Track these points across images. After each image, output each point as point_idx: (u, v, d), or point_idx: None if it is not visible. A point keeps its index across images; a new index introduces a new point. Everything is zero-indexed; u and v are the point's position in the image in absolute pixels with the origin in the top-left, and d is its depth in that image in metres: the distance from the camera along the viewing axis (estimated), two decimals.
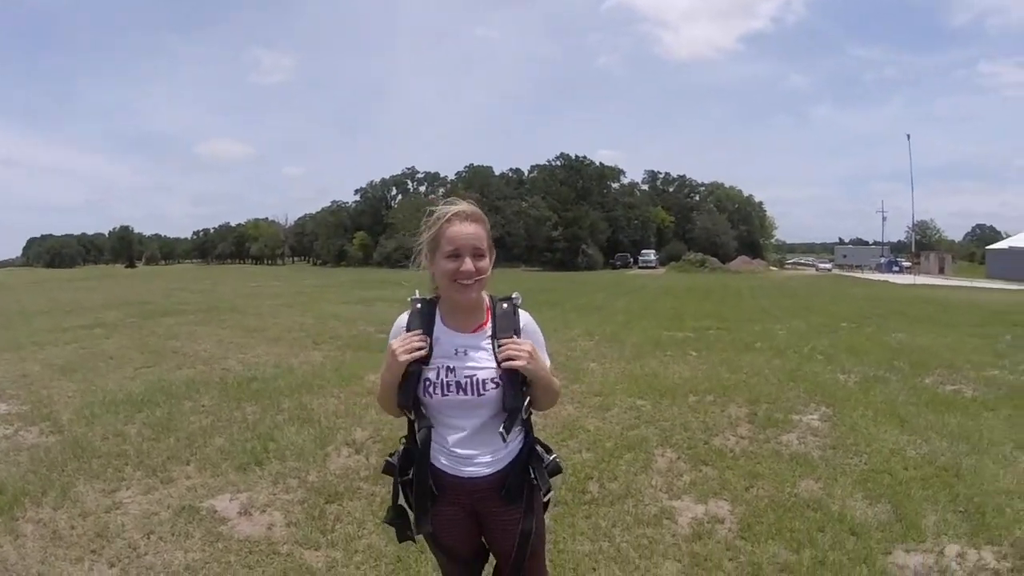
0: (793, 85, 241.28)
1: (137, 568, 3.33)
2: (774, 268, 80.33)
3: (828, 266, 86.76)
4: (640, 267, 74.83)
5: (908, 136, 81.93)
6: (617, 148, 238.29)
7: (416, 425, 2.04)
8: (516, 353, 1.95)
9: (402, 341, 1.98)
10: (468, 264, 1.94)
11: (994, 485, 4.47)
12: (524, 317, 2.10)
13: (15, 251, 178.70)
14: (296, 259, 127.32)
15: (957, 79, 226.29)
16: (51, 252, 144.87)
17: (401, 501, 2.15)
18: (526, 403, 2.04)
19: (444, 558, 2.22)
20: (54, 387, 7.41)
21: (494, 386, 1.99)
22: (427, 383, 1.99)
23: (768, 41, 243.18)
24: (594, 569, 3.41)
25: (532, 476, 2.09)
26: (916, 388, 7.53)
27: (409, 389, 1.99)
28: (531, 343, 2.00)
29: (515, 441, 2.09)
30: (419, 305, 2.07)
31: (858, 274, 66.15)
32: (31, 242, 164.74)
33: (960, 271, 72.57)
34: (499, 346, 1.99)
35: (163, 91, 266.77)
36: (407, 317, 2.07)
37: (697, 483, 4.57)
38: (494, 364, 1.99)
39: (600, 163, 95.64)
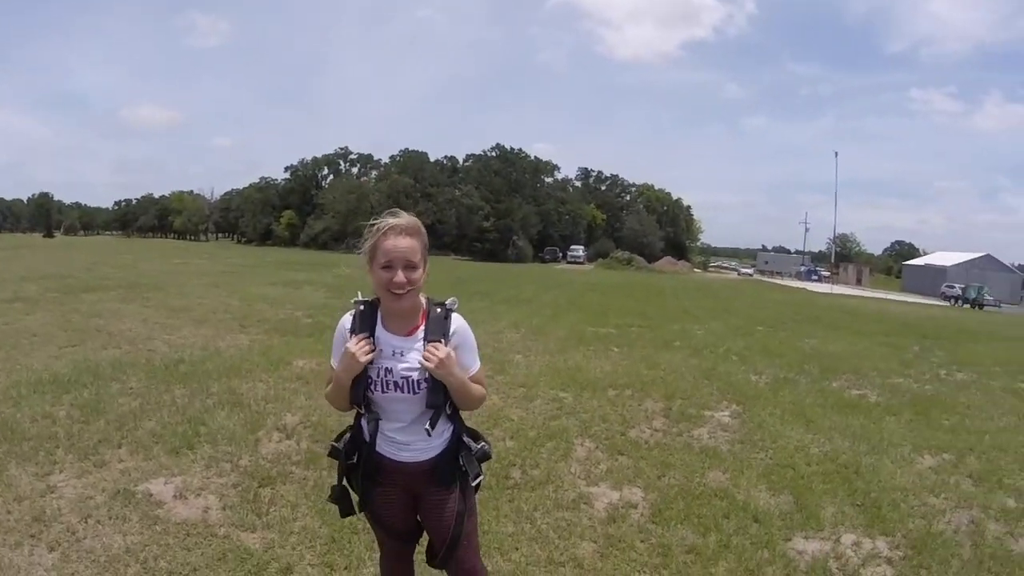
0: (729, 94, 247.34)
1: (77, 552, 3.36)
2: (698, 270, 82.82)
3: (750, 271, 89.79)
4: (569, 262, 75.78)
5: (836, 153, 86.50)
6: (552, 142, 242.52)
7: (365, 417, 2.28)
8: (428, 356, 2.17)
9: (357, 344, 2.18)
10: (400, 276, 2.13)
11: (891, 482, 4.91)
12: (456, 322, 2.29)
13: None
14: (221, 235, 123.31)
15: (888, 101, 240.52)
16: None
17: (344, 483, 2.39)
18: (448, 401, 2.26)
19: (383, 533, 2.47)
20: None
21: (427, 384, 2.21)
22: (370, 381, 2.22)
23: (709, 50, 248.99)
24: (516, 548, 3.66)
25: (460, 463, 2.32)
26: (823, 391, 8.05)
27: (360, 387, 2.22)
28: (447, 350, 2.19)
29: (444, 432, 2.31)
30: (362, 307, 2.27)
31: (778, 280, 68.64)
32: None
33: (877, 283, 76.40)
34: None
35: (91, 50, 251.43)
36: (351, 319, 2.28)
37: (613, 471, 4.89)
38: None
39: (535, 157, 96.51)
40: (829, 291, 48.59)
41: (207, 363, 7.56)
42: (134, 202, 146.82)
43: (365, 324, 2.24)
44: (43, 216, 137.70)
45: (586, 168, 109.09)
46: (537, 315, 15.09)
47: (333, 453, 2.37)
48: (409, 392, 2.22)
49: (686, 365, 9.28)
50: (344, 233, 78.02)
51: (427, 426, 2.24)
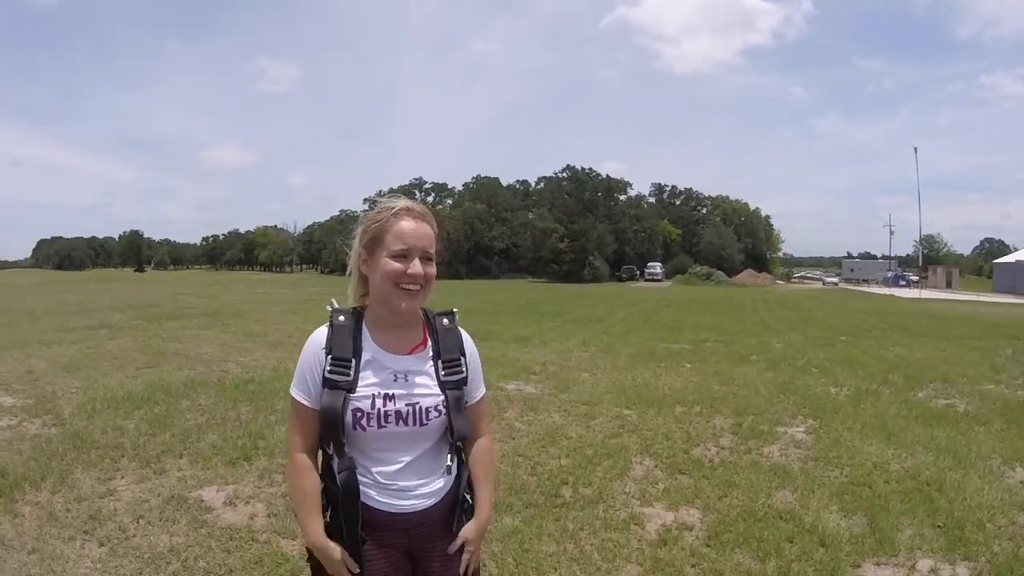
0: (795, 97, 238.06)
1: (125, 548, 3.51)
2: (780, 282, 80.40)
3: (835, 280, 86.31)
4: (646, 280, 74.87)
5: (915, 149, 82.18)
6: (622, 160, 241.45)
7: (336, 465, 1.72)
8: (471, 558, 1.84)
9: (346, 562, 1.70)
10: (417, 266, 1.70)
11: (977, 500, 4.45)
12: (465, 335, 1.89)
13: (25, 252, 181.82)
14: (305, 267, 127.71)
15: (957, 91, 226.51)
16: (60, 254, 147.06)
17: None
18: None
19: None
20: (58, 383, 7.62)
21: (437, 414, 1.75)
22: (358, 414, 1.69)
23: (769, 54, 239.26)
24: (555, 569, 3.48)
25: (469, 501, 1.89)
26: (908, 402, 7.54)
27: (334, 421, 1.69)
28: (476, 550, 1.86)
29: (454, 466, 1.85)
30: (341, 317, 1.77)
31: (864, 288, 65.86)
32: (41, 244, 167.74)
33: (967, 285, 71.89)
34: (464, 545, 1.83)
35: (167, 97, 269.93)
36: (326, 333, 1.76)
37: (671, 491, 4.62)
38: (439, 390, 1.77)
39: (607, 175, 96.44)
40: (918, 296, 46.28)
41: (276, 383, 7.74)
42: (221, 237, 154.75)
43: (346, 340, 1.74)
44: (134, 252, 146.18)
45: (659, 183, 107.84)
46: (607, 333, 14.88)
47: None
48: (415, 424, 1.72)
49: (761, 379, 8.91)
50: None
51: (449, 461, 1.82)
